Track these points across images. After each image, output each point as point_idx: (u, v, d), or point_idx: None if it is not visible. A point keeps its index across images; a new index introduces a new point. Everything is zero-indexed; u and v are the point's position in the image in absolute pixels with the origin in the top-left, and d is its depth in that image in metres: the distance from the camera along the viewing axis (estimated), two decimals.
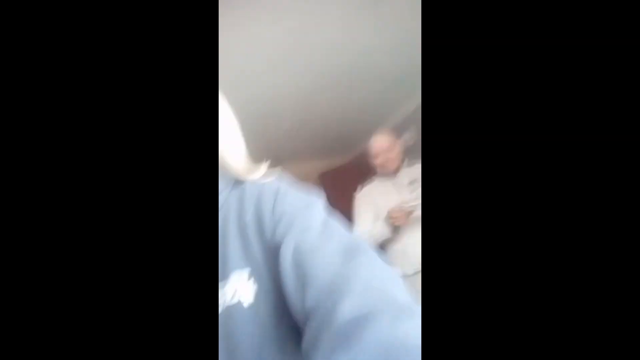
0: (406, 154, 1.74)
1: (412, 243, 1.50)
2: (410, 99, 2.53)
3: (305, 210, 0.39)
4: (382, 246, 1.55)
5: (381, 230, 1.51)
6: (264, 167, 0.48)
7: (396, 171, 1.66)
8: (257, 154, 0.51)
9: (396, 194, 1.59)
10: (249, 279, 0.35)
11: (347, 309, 0.26)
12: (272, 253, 0.35)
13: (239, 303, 0.33)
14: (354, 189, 1.75)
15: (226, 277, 0.36)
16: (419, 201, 1.44)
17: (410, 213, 1.46)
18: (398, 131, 1.76)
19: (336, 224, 0.38)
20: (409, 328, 0.22)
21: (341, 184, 2.73)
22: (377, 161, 1.65)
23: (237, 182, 0.46)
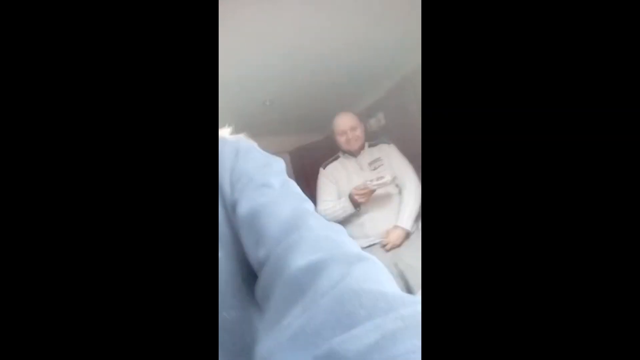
0: (371, 137, 1.80)
1: (369, 218, 1.58)
2: (380, 86, 2.55)
3: (264, 168, 0.39)
4: (343, 222, 1.61)
5: (344, 206, 1.56)
6: (226, 130, 0.48)
7: (359, 151, 1.72)
8: (225, 123, 0.51)
9: (358, 173, 1.66)
10: None
11: (299, 257, 0.26)
12: (232, 210, 0.36)
13: None
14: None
15: None
16: (383, 180, 1.50)
17: (372, 192, 1.52)
18: (366, 115, 1.80)
19: (294, 186, 0.39)
20: (362, 273, 0.22)
21: (310, 162, 2.75)
22: (341, 139, 1.70)
23: None
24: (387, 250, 1.53)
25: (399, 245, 1.53)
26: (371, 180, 1.51)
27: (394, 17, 1.72)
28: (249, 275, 0.32)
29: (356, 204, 1.55)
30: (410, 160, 1.71)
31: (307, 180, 2.46)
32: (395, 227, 1.54)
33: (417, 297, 0.20)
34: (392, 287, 0.22)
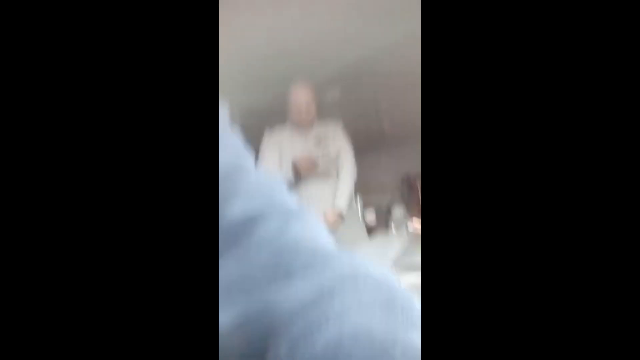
0: (324, 111, 1.81)
1: (306, 194, 1.61)
2: (340, 58, 2.51)
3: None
4: None
5: (286, 174, 1.58)
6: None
7: (308, 124, 1.71)
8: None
9: (303, 144, 1.67)
10: None
11: (235, 210, 0.24)
12: None
13: None
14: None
15: None
16: (328, 157, 1.53)
17: (317, 165, 1.55)
18: (322, 87, 1.79)
19: (236, 136, 0.36)
20: (299, 229, 0.22)
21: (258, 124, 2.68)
22: (294, 109, 1.68)
23: None
24: None
25: (335, 228, 1.59)
26: (316, 155, 1.54)
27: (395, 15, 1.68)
28: None
29: (297, 175, 1.57)
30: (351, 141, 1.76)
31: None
32: (332, 209, 1.59)
33: (354, 254, 0.20)
34: (330, 242, 0.22)
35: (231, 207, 0.25)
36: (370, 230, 1.92)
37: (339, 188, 1.62)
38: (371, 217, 2.16)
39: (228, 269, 0.21)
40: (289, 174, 1.57)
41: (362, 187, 2.46)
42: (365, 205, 2.22)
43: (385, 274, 0.18)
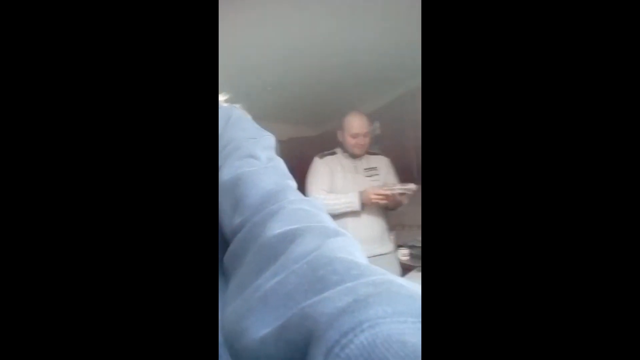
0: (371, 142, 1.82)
1: (354, 224, 1.56)
2: (387, 91, 2.57)
3: (253, 140, 0.38)
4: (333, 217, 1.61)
5: (351, 201, 1.56)
6: (222, 97, 0.48)
7: (361, 155, 1.72)
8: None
9: (353, 175, 1.67)
10: None
11: (276, 225, 0.25)
12: None
13: None
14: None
15: None
16: (408, 186, 1.50)
17: (392, 197, 1.51)
18: (369, 118, 1.81)
19: (281, 163, 0.38)
20: (337, 244, 0.22)
21: (297, 155, 2.74)
22: (352, 140, 1.69)
23: None
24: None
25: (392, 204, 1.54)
26: (394, 185, 1.53)
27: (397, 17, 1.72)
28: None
29: (364, 204, 1.55)
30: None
31: (292, 172, 2.45)
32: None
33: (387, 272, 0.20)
34: (365, 260, 0.22)
35: (271, 226, 0.26)
36: (404, 269, 1.85)
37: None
38: (405, 255, 2.08)
39: (265, 280, 0.21)
40: (355, 202, 1.55)
41: (398, 225, 2.41)
42: (400, 243, 2.15)
43: (416, 286, 0.18)
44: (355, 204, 1.56)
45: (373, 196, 1.53)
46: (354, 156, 1.73)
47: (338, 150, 1.79)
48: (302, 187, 1.74)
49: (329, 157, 1.76)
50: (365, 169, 1.71)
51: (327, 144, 1.90)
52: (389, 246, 1.73)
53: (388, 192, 1.52)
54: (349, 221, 1.61)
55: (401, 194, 1.52)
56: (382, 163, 1.77)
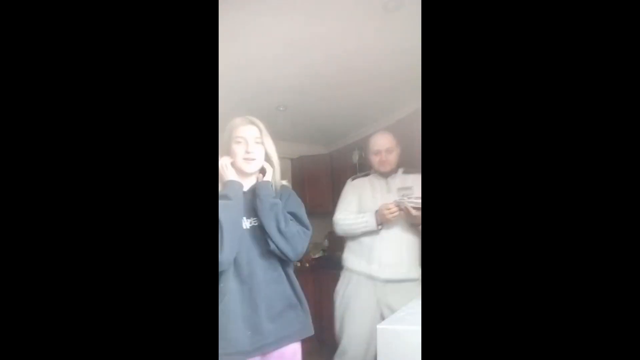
0: (402, 161, 1.75)
1: (379, 246, 1.53)
2: (405, 104, 2.56)
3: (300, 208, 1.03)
4: (357, 238, 1.61)
5: (367, 221, 1.54)
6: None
7: (389, 174, 1.69)
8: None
9: (384, 195, 1.62)
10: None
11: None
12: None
13: None
14: (325, 180, 1.77)
15: None
16: (419, 200, 1.45)
17: (402, 210, 1.47)
18: (393, 133, 1.78)
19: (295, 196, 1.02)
20: None
21: (309, 172, 2.75)
22: (375, 158, 1.68)
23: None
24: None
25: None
26: (403, 197, 1.48)
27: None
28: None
29: (380, 222, 1.53)
30: None
31: (303, 189, 2.45)
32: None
33: None
34: None
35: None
36: None
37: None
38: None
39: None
40: (372, 222, 1.53)
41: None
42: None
43: None
44: (372, 223, 1.53)
45: (386, 212, 1.50)
46: (385, 175, 1.69)
47: (371, 171, 1.76)
48: (312, 204, 1.72)
49: (359, 179, 1.75)
50: (399, 189, 1.64)
51: (337, 162, 1.89)
52: (418, 271, 1.57)
53: (396, 207, 1.49)
54: (368, 240, 1.57)
55: (415, 208, 1.47)
56: (418, 181, 1.64)
